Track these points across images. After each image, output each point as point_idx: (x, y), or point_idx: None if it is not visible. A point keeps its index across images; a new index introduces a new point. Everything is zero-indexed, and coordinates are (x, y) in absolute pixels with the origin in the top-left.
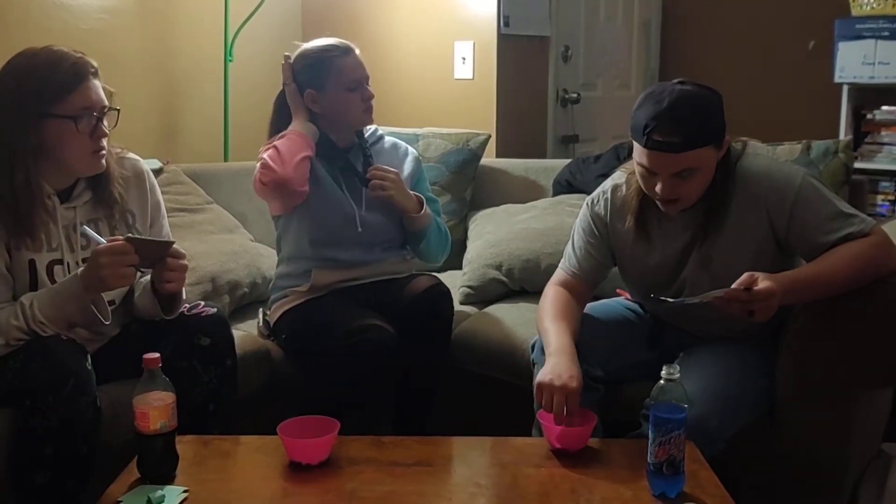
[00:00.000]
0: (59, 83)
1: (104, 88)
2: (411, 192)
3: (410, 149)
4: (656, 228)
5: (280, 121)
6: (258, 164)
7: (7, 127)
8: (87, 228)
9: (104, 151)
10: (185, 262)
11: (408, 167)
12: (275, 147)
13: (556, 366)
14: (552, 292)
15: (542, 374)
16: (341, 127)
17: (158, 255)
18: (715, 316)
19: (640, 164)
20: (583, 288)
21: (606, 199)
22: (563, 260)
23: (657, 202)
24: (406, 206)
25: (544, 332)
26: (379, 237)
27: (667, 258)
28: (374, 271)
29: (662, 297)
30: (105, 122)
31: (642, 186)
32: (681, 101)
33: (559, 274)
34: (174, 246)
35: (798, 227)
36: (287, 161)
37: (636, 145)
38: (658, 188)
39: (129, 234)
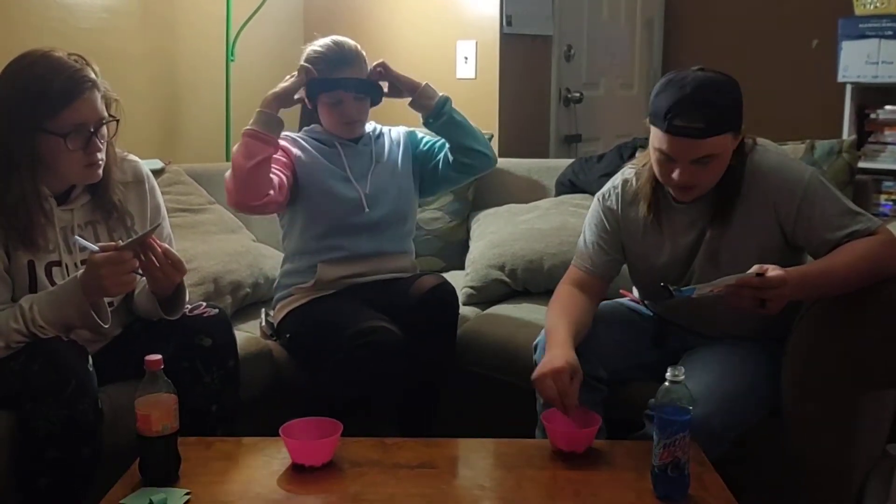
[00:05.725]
0: (52, 98)
1: (106, 96)
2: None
3: (399, 127)
4: (666, 220)
5: (304, 120)
6: None
7: (4, 136)
8: (78, 238)
9: (99, 162)
10: (158, 248)
11: (402, 139)
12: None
13: (548, 359)
14: (561, 291)
15: (536, 371)
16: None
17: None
18: (722, 315)
19: (658, 150)
20: (596, 284)
21: (618, 194)
22: (574, 257)
23: (671, 189)
24: (401, 78)
25: (547, 331)
26: (386, 217)
27: (676, 251)
28: (379, 267)
29: (673, 286)
30: (103, 133)
31: (657, 174)
32: (703, 87)
33: (571, 271)
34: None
35: (805, 223)
36: (239, 179)
37: (656, 131)
38: (676, 175)
39: (121, 241)
